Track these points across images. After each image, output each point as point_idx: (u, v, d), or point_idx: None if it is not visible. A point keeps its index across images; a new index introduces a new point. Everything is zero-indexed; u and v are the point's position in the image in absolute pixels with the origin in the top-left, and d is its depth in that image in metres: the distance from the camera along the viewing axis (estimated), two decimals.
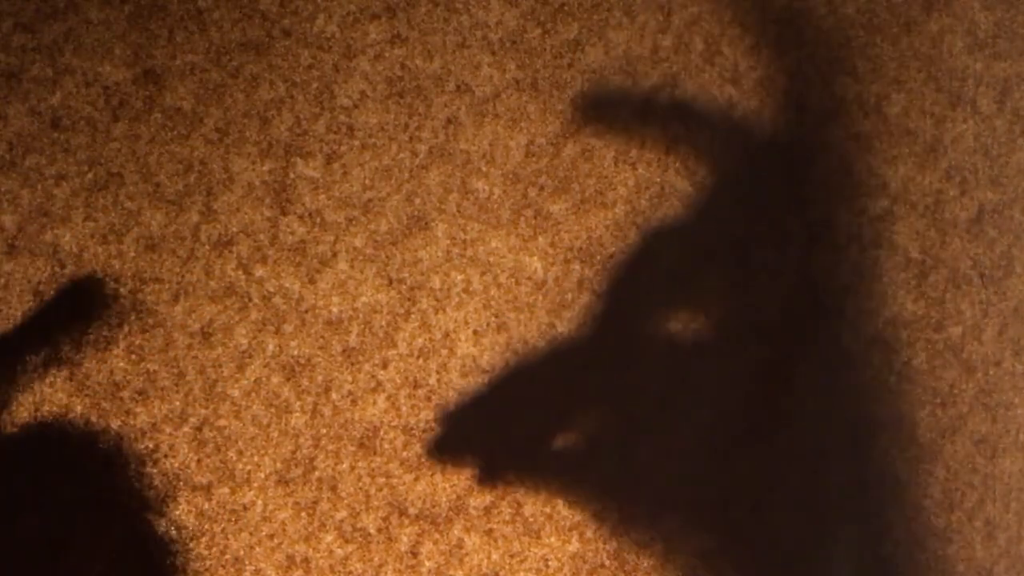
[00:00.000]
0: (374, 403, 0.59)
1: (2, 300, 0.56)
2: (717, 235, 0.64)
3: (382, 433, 0.59)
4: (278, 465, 0.58)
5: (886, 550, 0.63)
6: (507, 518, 0.60)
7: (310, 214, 0.60)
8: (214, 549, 0.57)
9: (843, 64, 0.67)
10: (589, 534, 0.60)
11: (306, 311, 0.59)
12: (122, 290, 0.58)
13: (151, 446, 0.57)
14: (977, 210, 0.68)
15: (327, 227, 0.60)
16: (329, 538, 0.58)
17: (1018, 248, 0.68)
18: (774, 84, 0.66)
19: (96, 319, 0.57)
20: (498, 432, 0.60)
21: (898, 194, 0.66)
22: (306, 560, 0.58)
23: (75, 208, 0.58)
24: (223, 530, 0.57)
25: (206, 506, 0.57)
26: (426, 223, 0.61)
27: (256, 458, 0.58)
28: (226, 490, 0.57)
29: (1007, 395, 0.67)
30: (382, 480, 0.59)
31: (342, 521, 0.58)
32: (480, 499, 0.59)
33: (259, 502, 0.58)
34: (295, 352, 0.59)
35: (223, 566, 0.57)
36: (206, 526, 0.57)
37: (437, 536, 0.59)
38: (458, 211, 0.61)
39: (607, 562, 0.60)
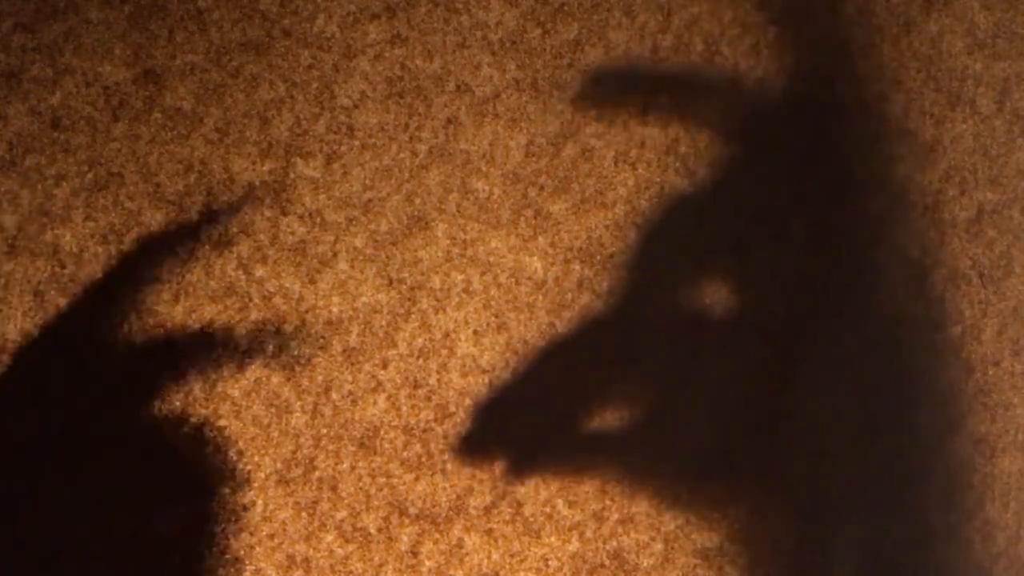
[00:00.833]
0: (374, 403, 0.59)
1: (2, 300, 0.56)
2: (717, 235, 0.64)
3: (382, 433, 0.59)
4: (278, 465, 0.58)
5: (886, 550, 0.63)
6: (507, 518, 0.60)
7: (310, 214, 0.60)
8: (214, 549, 0.57)
9: (843, 64, 0.67)
10: (589, 534, 0.60)
11: (306, 311, 0.59)
12: (122, 290, 0.58)
13: (151, 446, 0.57)
14: (976, 210, 0.68)
15: (327, 227, 0.60)
16: (329, 538, 0.58)
17: (1017, 248, 0.68)
18: (774, 84, 0.66)
19: (96, 319, 0.57)
20: (498, 432, 0.60)
21: (898, 194, 0.67)
22: (306, 560, 0.58)
23: (75, 208, 0.58)
24: (223, 530, 0.57)
25: (206, 506, 0.57)
26: (426, 223, 0.61)
27: (256, 458, 0.58)
28: (226, 490, 0.57)
29: (1006, 395, 0.67)
30: (382, 480, 0.59)
31: (342, 521, 0.58)
32: (480, 499, 0.59)
33: (259, 502, 0.58)
34: (295, 352, 0.59)
35: (223, 566, 0.57)
36: (206, 526, 0.57)
37: (437, 536, 0.59)
38: (458, 211, 0.61)
39: (607, 562, 0.60)
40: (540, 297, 0.61)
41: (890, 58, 0.68)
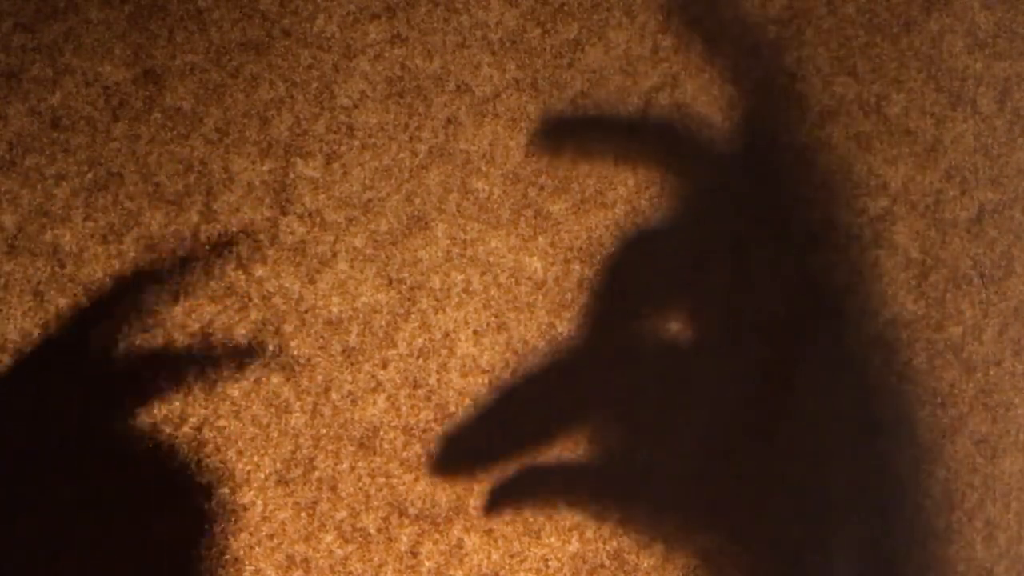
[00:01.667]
0: (374, 403, 0.59)
1: (2, 300, 0.56)
2: (717, 235, 0.64)
3: (382, 433, 0.59)
4: (278, 465, 0.58)
5: (886, 550, 0.63)
6: (507, 518, 0.60)
7: (310, 214, 0.60)
8: (214, 549, 0.57)
9: (843, 64, 0.67)
10: (589, 534, 0.60)
11: (306, 311, 0.59)
12: (122, 290, 0.58)
13: (151, 446, 0.57)
14: (977, 210, 0.68)
15: (327, 227, 0.60)
16: (329, 538, 0.58)
17: (1018, 248, 0.68)
18: (774, 84, 0.66)
19: (96, 319, 0.57)
20: (498, 432, 0.60)
21: (898, 194, 0.66)
22: (306, 560, 0.58)
23: (75, 208, 0.58)
24: (223, 530, 0.57)
25: (206, 506, 0.57)
26: (426, 223, 0.61)
27: (256, 458, 0.58)
28: (226, 490, 0.57)
29: (1007, 395, 0.67)
30: (382, 480, 0.59)
31: (342, 521, 0.58)
32: (480, 499, 0.59)
33: (259, 502, 0.58)
34: (295, 352, 0.59)
35: (223, 566, 0.57)
36: (206, 526, 0.57)
37: (437, 536, 0.59)
38: (458, 211, 0.61)
39: (607, 562, 0.60)
40: (540, 297, 0.61)
41: (890, 58, 0.68)
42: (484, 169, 0.62)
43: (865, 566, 0.63)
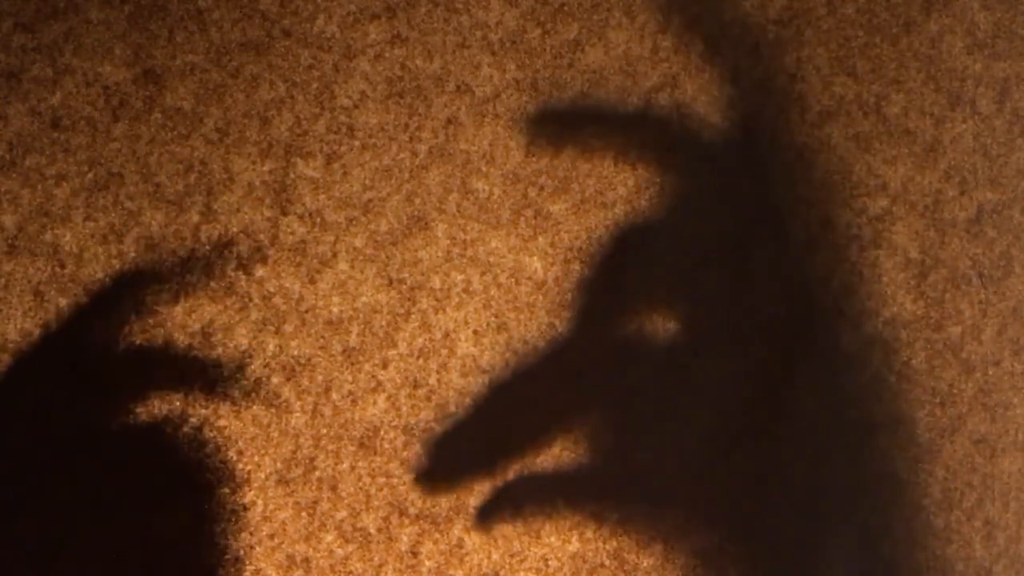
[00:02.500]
0: (374, 403, 0.59)
1: (2, 300, 0.56)
2: (717, 235, 0.64)
3: (382, 433, 0.59)
4: (278, 465, 0.58)
5: (886, 550, 0.63)
6: (507, 518, 0.60)
7: (310, 214, 0.60)
8: (214, 549, 0.57)
9: (843, 64, 0.67)
10: (589, 534, 0.60)
11: (306, 311, 0.59)
12: (122, 290, 0.58)
13: (151, 446, 0.57)
14: (976, 210, 0.68)
15: (327, 227, 0.60)
16: (329, 538, 0.58)
17: (1017, 248, 0.68)
18: (774, 84, 0.66)
19: (96, 319, 0.57)
20: (498, 432, 0.60)
21: (897, 194, 0.67)
22: (306, 560, 0.58)
23: (75, 208, 0.58)
24: (223, 530, 0.57)
25: (206, 506, 0.57)
26: (426, 223, 0.61)
27: (256, 458, 0.58)
28: (226, 490, 0.57)
29: (1006, 395, 0.67)
30: (382, 480, 0.59)
31: (342, 521, 0.58)
32: (480, 499, 0.59)
33: (259, 502, 0.58)
34: (295, 352, 0.59)
35: (223, 566, 0.57)
36: (206, 526, 0.57)
37: (437, 536, 0.59)
38: (458, 211, 0.61)
39: (607, 562, 0.60)
40: (540, 297, 0.61)
41: (890, 58, 0.68)
42: (484, 169, 0.62)
43: (864, 566, 0.63)
